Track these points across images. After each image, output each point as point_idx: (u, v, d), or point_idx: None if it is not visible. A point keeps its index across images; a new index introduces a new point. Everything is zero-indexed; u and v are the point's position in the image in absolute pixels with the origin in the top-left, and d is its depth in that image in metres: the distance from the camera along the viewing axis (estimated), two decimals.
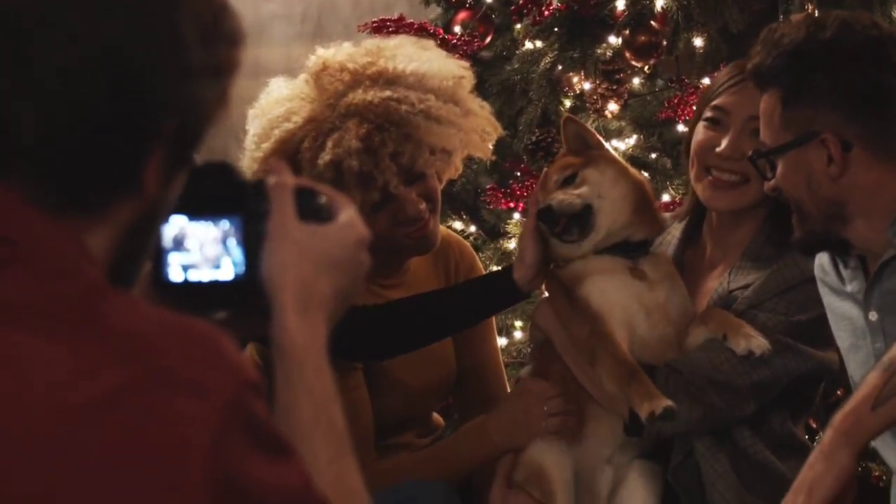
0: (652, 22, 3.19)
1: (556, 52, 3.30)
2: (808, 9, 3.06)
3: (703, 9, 3.20)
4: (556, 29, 3.33)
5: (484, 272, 2.75)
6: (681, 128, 3.15)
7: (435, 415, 2.73)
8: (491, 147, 2.56)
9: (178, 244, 1.25)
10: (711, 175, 2.42)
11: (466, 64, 2.56)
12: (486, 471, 2.44)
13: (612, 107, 3.24)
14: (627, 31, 3.19)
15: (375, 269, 2.46)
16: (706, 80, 3.16)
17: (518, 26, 3.43)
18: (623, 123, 3.28)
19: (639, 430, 2.24)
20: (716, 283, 2.43)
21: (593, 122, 3.23)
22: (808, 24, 2.09)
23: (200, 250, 1.25)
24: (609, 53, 3.25)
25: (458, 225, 3.36)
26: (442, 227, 2.59)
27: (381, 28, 3.26)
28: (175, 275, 1.25)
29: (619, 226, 2.34)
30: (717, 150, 2.40)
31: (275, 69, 2.62)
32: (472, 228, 3.39)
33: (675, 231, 2.56)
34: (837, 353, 2.29)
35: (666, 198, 3.10)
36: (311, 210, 1.27)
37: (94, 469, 0.97)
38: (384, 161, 2.34)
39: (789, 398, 2.35)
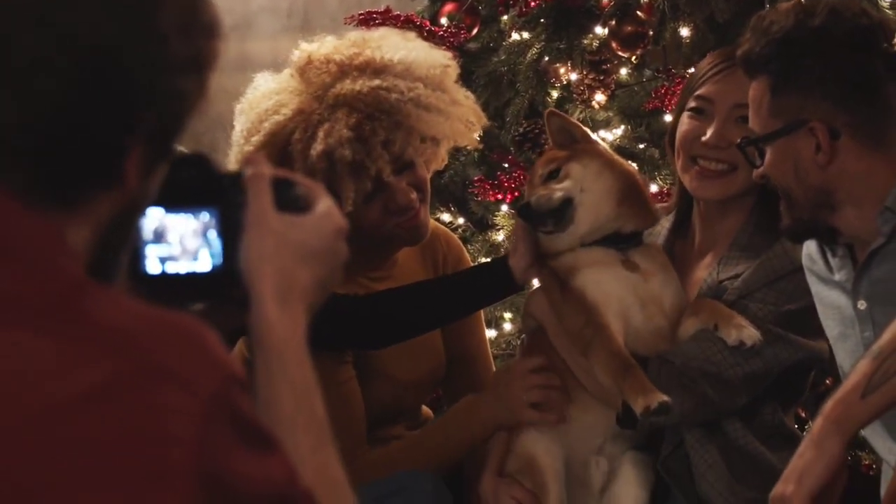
0: (638, 12, 3.19)
1: (542, 44, 3.29)
2: None
3: None
4: (542, 20, 3.33)
5: (472, 264, 2.75)
6: (668, 118, 3.14)
7: (424, 407, 2.73)
8: (477, 137, 2.56)
9: (156, 236, 1.25)
10: (698, 165, 2.42)
11: (450, 54, 2.57)
12: (476, 461, 2.45)
13: (600, 97, 3.24)
14: (614, 22, 3.19)
15: (364, 261, 2.50)
16: (693, 70, 3.15)
17: (504, 18, 3.43)
18: (610, 114, 3.27)
19: (632, 422, 2.24)
20: (705, 274, 2.43)
21: (580, 112, 3.22)
22: (798, 11, 2.09)
23: (180, 242, 1.25)
24: (596, 44, 3.24)
25: (446, 217, 3.35)
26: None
27: (367, 21, 3.25)
28: (152, 267, 1.25)
29: (604, 218, 2.34)
30: (703, 139, 2.40)
31: (262, 63, 2.62)
32: (461, 220, 3.38)
33: (664, 222, 2.55)
34: (827, 342, 2.29)
35: (654, 188, 3.10)
36: (289, 200, 1.26)
37: (81, 463, 0.96)
38: (376, 150, 2.35)
39: (780, 388, 2.35)
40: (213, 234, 1.25)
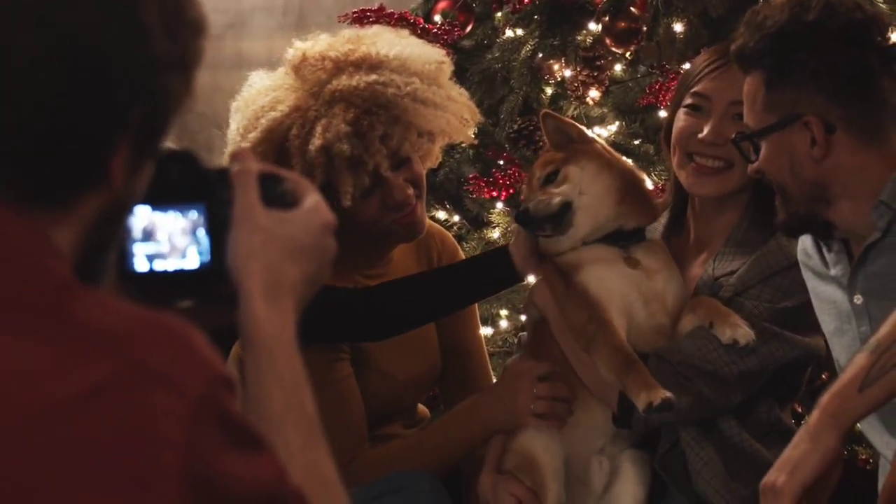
0: (631, 8, 3.19)
1: (536, 40, 3.29)
2: None
3: None
4: (536, 17, 3.33)
5: None
6: (663, 114, 3.14)
7: (420, 406, 2.72)
8: (472, 134, 2.56)
9: (144, 234, 1.24)
10: (695, 162, 2.41)
11: (444, 51, 2.58)
12: (475, 459, 2.45)
13: (594, 94, 3.23)
14: (607, 18, 3.18)
15: (360, 258, 2.50)
16: (687, 66, 3.15)
17: (498, 14, 3.43)
18: (605, 110, 3.27)
19: (627, 422, 2.23)
20: (700, 270, 2.42)
21: (575, 109, 3.22)
22: (792, 5, 2.08)
23: (167, 240, 1.24)
24: (589, 40, 3.24)
25: (441, 215, 3.35)
26: None
27: (361, 18, 3.25)
28: (140, 265, 1.24)
29: (604, 219, 2.34)
30: (700, 136, 2.40)
31: (257, 61, 2.62)
32: (456, 218, 3.38)
33: (661, 219, 2.55)
34: (823, 337, 2.28)
35: (648, 184, 3.09)
36: (276, 196, 1.26)
37: (70, 465, 0.96)
38: (374, 144, 2.35)
39: (776, 385, 2.35)
40: (200, 232, 1.24)
